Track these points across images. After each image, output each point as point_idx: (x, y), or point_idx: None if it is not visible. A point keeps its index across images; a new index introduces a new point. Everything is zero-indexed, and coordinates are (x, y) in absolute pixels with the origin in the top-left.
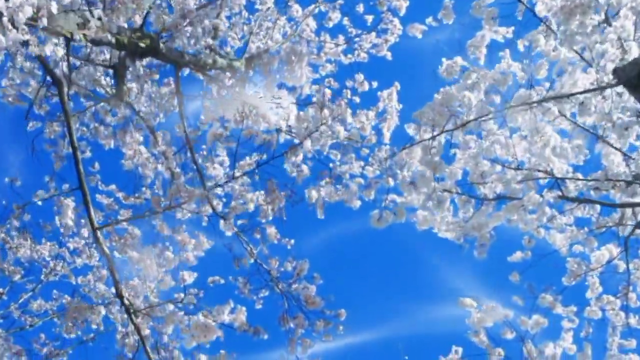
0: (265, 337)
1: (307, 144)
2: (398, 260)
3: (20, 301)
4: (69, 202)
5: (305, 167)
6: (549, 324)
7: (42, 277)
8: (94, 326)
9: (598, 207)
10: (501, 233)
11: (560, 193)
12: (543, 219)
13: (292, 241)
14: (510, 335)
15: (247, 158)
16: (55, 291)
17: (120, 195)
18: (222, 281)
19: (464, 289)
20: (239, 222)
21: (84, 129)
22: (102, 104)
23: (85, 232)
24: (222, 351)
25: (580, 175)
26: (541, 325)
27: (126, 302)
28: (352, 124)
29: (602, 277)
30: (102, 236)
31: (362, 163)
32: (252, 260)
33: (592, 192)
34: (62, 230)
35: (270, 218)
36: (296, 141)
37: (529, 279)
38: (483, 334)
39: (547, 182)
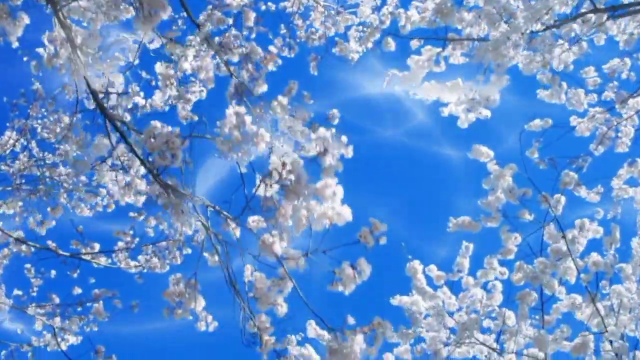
0: None
1: None
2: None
3: None
4: None
5: None
6: (573, 205)
7: None
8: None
9: None
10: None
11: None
12: (571, 34)
13: None
14: (528, 217)
15: None
16: None
17: None
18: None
19: None
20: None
21: None
22: None
23: None
24: None
25: None
26: (564, 204)
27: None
28: None
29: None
30: None
31: None
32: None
33: None
34: None
35: None
36: None
37: (550, 152)
38: (500, 191)
39: None
